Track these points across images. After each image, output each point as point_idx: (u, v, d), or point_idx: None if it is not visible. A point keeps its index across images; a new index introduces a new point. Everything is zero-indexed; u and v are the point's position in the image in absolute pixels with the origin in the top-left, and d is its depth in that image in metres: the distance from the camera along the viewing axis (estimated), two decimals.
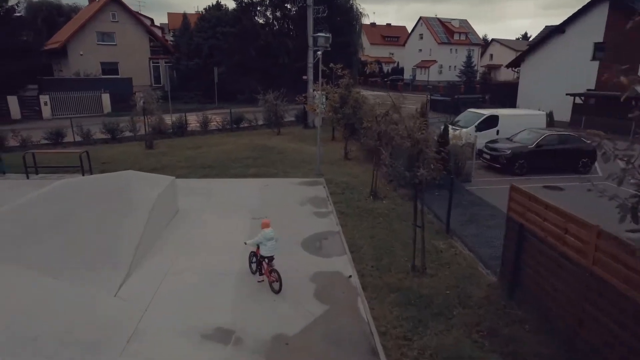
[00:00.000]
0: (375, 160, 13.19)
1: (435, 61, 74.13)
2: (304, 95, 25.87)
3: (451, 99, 34.98)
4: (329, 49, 28.37)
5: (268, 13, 42.49)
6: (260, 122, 27.48)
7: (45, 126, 24.35)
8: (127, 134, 23.42)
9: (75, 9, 50.62)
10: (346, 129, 18.78)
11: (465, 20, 79.90)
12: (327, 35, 27.93)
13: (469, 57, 61.66)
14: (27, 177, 15.41)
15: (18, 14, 34.52)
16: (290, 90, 29.30)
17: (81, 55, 39.66)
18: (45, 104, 32.09)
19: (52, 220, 9.51)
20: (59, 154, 17.01)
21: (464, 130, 18.38)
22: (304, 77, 29.05)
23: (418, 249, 8.60)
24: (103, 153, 19.88)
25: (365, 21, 51.54)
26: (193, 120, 26.72)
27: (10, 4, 34.03)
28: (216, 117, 27.58)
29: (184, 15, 47.11)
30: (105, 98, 33.84)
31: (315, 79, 25.58)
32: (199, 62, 40.68)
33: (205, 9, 44.12)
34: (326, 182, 15.01)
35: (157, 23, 61.58)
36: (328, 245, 9.96)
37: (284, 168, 17.11)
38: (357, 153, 19.41)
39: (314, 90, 25.53)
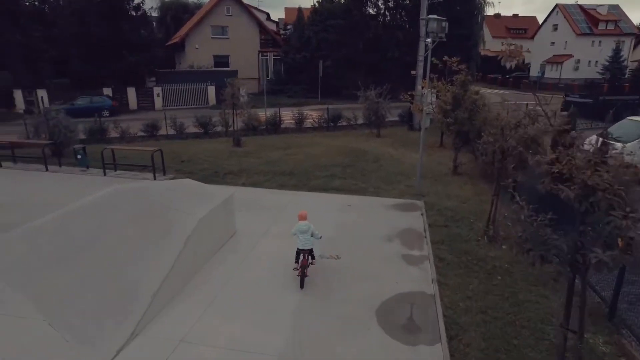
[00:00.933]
0: (496, 182, 9.45)
1: (571, 55, 63.74)
2: (410, 93, 22.26)
3: (594, 100, 28.26)
4: (444, 39, 24.33)
5: (380, 3, 39.10)
6: (360, 121, 24.46)
7: (156, 117, 24.18)
8: (220, 128, 22.14)
9: (199, 6, 52.41)
10: (458, 137, 14.91)
11: (617, 5, 67.03)
12: (441, 19, 23.90)
13: (618, 50, 51.49)
14: (104, 174, 14.40)
15: (141, 12, 35.90)
16: (398, 87, 25.82)
17: (197, 48, 40.36)
18: (158, 95, 32.80)
19: (76, 244, 7.65)
20: (134, 151, 15.85)
21: (628, 145, 13.34)
22: (413, 72, 25.31)
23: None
24: (188, 149, 18.60)
25: (489, 12, 45.42)
26: (288, 116, 24.67)
27: (135, 2, 35.50)
28: (313, 114, 25.23)
29: (299, 9, 45.94)
30: (211, 90, 33.64)
31: (425, 74, 21.85)
32: (306, 55, 38.91)
33: (318, 1, 42.37)
34: (426, 207, 11.53)
35: (274, 18, 61.82)
36: (415, 319, 6.68)
37: (376, 182, 13.92)
38: (470, 167, 15.45)
39: (422, 87, 21.81)
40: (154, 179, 13.94)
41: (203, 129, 21.86)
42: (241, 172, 14.89)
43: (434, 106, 20.82)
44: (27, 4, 35.85)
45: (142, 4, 36.35)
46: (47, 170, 14.94)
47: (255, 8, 55.61)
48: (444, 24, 24.43)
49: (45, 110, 16.25)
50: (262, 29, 43.84)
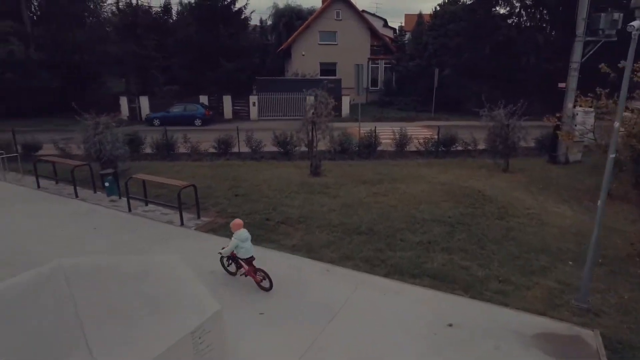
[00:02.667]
0: None
1: None
2: (558, 115, 15.65)
3: None
4: (614, 38, 17.15)
5: (514, 0, 31.72)
6: (481, 147, 18.32)
7: (249, 127, 21.11)
8: (303, 148, 17.98)
9: (312, 12, 49.81)
10: None
11: None
12: (616, 13, 16.74)
13: None
14: (129, 210, 11.04)
15: (242, 17, 33.80)
16: (536, 103, 19.23)
17: (303, 55, 37.26)
18: (254, 104, 30.09)
19: None
20: (166, 184, 12.26)
21: None
22: (561, 85, 18.36)
23: None
24: (255, 175, 14.67)
25: None
26: (387, 135, 19.53)
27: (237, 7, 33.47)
28: (420, 134, 19.79)
29: (419, 15, 40.55)
30: (310, 100, 29.92)
31: (581, 87, 15.11)
32: (420, 62, 33.26)
33: (439, 4, 36.58)
34: (608, 349, 5.77)
35: (394, 25, 56.79)
36: None
37: (502, 267, 8.21)
38: None
39: (576, 105, 15.14)
40: (181, 223, 10.13)
41: (282, 148, 17.92)
42: (301, 222, 10.37)
43: (594, 133, 14.45)
44: (153, 14, 36.13)
45: (244, 8, 34.28)
46: (77, 197, 12.15)
47: (372, 14, 51.33)
48: (616, 15, 17.24)
49: (96, 122, 13.69)
50: (374, 34, 39.20)
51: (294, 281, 7.55)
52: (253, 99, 30.00)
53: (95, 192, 12.41)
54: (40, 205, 11.63)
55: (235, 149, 18.11)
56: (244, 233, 7.14)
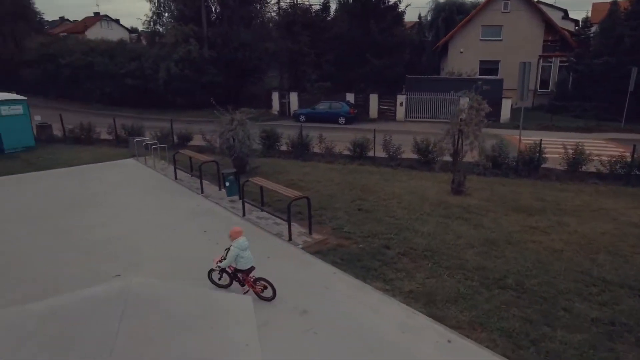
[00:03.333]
0: None
1: None
2: None
3: None
4: None
5: None
6: None
7: (393, 129, 19.57)
8: (447, 158, 15.40)
9: (475, 6, 45.01)
10: None
11: None
12: None
13: None
14: (243, 214, 10.31)
15: (395, 13, 31.66)
16: None
17: (461, 52, 33.59)
18: (401, 104, 28.02)
19: None
20: (280, 192, 11.06)
21: None
22: None
23: None
24: (385, 187, 12.77)
25: None
26: (556, 149, 15.51)
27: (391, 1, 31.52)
28: (601, 152, 15.36)
29: (613, 2, 32.90)
30: (464, 103, 26.55)
31: None
32: (609, 59, 26.79)
33: None
34: None
35: (576, 17, 48.08)
36: None
37: None
38: None
39: None
40: (289, 238, 8.91)
41: (422, 156, 15.64)
42: (427, 257, 8.22)
43: None
44: (312, 13, 36.82)
45: (399, 2, 32.04)
46: (202, 192, 12.03)
47: (550, 5, 44.10)
48: None
49: (231, 118, 13.54)
50: (549, 28, 33.19)
51: (398, 349, 5.59)
52: (401, 98, 27.95)
53: (220, 189, 12.15)
54: (169, 197, 11.80)
55: (371, 153, 16.49)
56: (244, 242, 6.56)
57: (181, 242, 8.90)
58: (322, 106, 27.10)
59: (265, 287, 6.67)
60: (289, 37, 32.69)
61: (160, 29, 36.59)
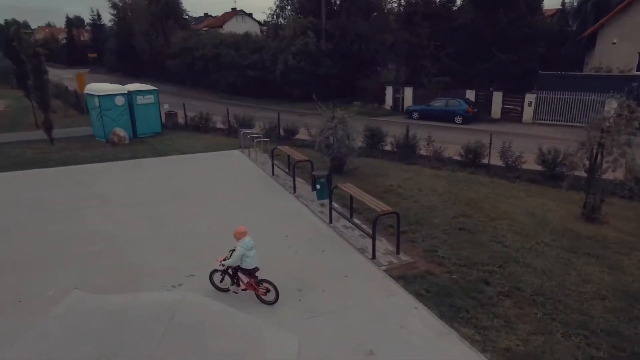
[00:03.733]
0: None
1: None
2: None
3: None
4: None
5: None
6: None
7: (516, 131, 17.31)
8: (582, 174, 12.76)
9: None
10: None
11: None
12: None
13: None
14: (330, 221, 9.59)
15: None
16: None
17: (613, 44, 28.28)
18: (529, 104, 24.59)
19: None
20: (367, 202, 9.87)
21: None
22: None
23: None
24: (496, 203, 10.97)
25: None
26: None
27: None
28: None
29: None
30: (611, 105, 22.17)
31: None
32: None
33: None
34: None
35: None
36: None
37: None
38: None
39: None
40: (373, 256, 7.95)
41: (547, 169, 13.20)
42: (537, 303, 6.58)
43: None
44: (437, 2, 34.53)
45: None
46: (294, 192, 11.63)
47: None
48: None
49: (332, 115, 12.89)
50: None
51: None
52: (530, 97, 24.52)
53: (313, 189, 11.66)
54: (261, 194, 11.67)
55: (486, 160, 14.53)
56: (250, 241, 6.54)
57: (260, 246, 8.53)
58: (438, 103, 25.11)
59: (268, 290, 6.52)
60: (408, 29, 30.98)
61: (282, 22, 37.66)
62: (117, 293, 6.66)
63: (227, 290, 6.86)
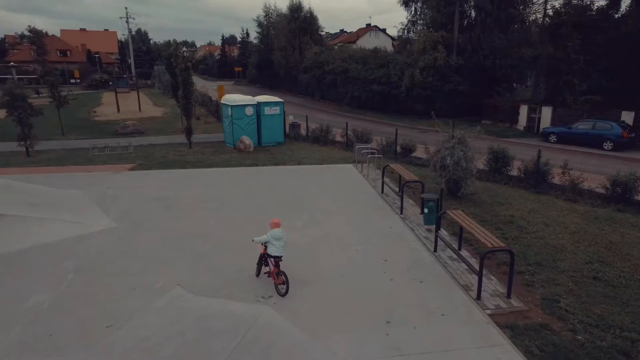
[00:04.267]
0: None
1: None
2: None
3: None
4: None
5: None
6: None
7: None
8: None
9: None
10: None
11: None
12: None
13: None
14: (434, 250, 8.75)
15: None
16: None
17: None
18: None
19: None
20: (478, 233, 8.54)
21: None
22: None
23: None
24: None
25: None
26: None
27: None
28: None
29: None
30: None
31: None
32: None
33: None
34: None
35: None
36: None
37: None
38: None
39: None
40: (478, 297, 6.95)
41: None
42: None
43: None
44: (593, 10, 30.38)
45: None
46: (401, 213, 11.00)
47: None
48: None
49: (451, 134, 11.92)
50: None
51: None
52: None
53: (421, 212, 10.92)
54: (366, 212, 11.27)
55: (639, 197, 12.02)
56: (278, 232, 7.22)
57: (355, 268, 8.21)
58: (583, 125, 21.87)
59: (283, 282, 7.10)
60: (552, 41, 27.69)
61: (413, 36, 36.98)
62: (213, 296, 7.06)
63: (257, 275, 7.67)
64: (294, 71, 50.26)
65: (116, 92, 35.70)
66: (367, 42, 55.87)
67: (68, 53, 72.03)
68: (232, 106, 19.67)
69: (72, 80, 60.05)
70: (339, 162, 16.97)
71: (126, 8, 78.03)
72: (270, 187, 13.60)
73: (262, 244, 7.31)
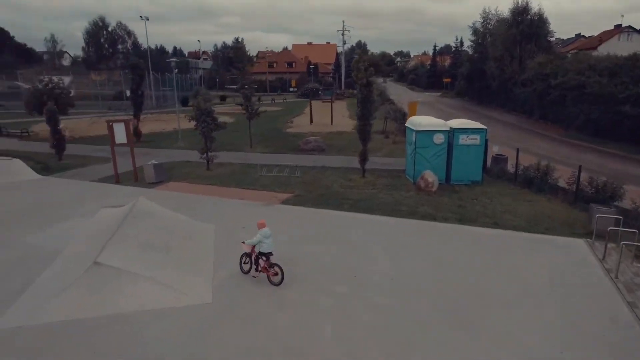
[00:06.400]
0: None
1: None
2: None
3: None
4: None
5: None
6: None
7: None
8: None
9: None
10: None
11: None
12: None
13: None
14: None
15: None
16: None
17: None
18: None
19: None
20: None
21: None
22: None
23: None
24: None
25: None
26: None
27: None
28: None
29: None
30: None
31: None
32: None
33: None
34: None
35: None
36: None
37: None
38: None
39: None
40: None
41: None
42: None
43: None
44: None
45: None
46: None
47: None
48: None
49: None
50: None
51: None
52: None
53: None
54: (595, 347, 5.70)
55: None
56: (267, 231, 7.96)
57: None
58: None
59: (277, 274, 7.89)
60: None
61: None
62: None
63: (247, 272, 8.29)
64: (509, 84, 42.25)
65: (310, 103, 35.85)
66: (615, 48, 42.58)
67: (293, 64, 79.77)
68: (416, 131, 15.55)
69: (290, 89, 65.66)
70: (562, 231, 10.86)
71: (343, 21, 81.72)
72: (436, 265, 9.00)
73: (252, 246, 7.94)
